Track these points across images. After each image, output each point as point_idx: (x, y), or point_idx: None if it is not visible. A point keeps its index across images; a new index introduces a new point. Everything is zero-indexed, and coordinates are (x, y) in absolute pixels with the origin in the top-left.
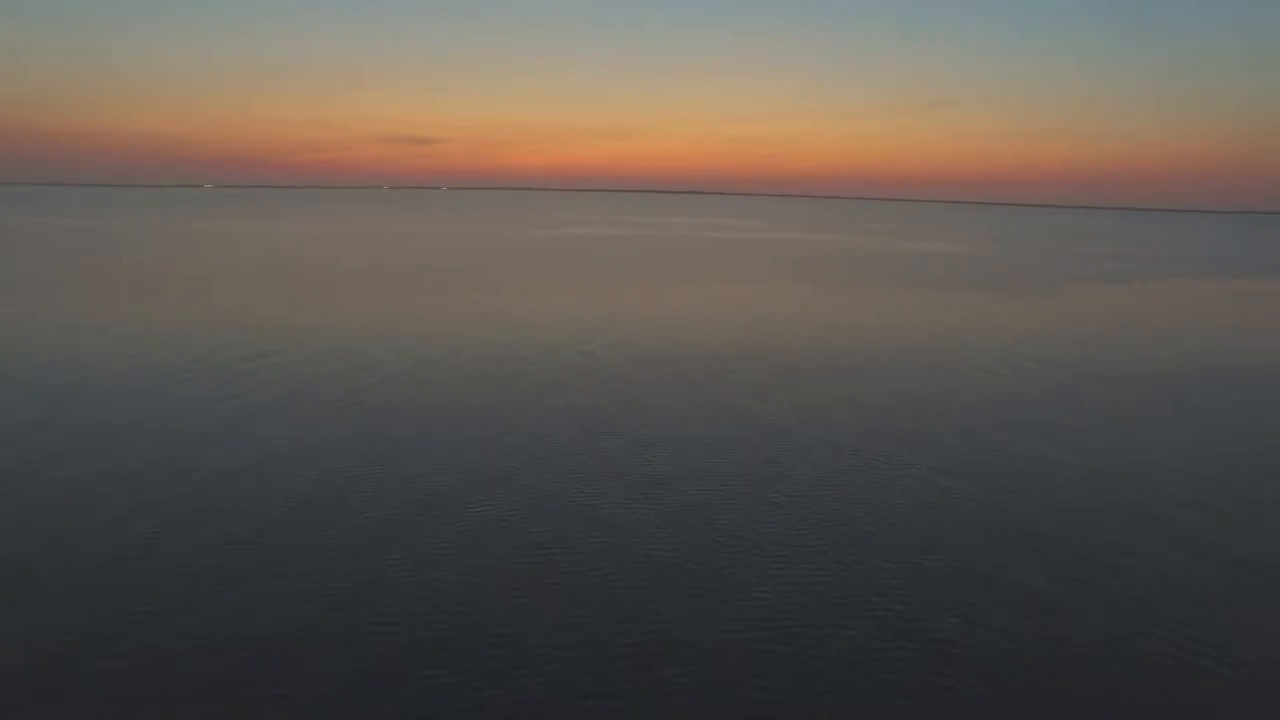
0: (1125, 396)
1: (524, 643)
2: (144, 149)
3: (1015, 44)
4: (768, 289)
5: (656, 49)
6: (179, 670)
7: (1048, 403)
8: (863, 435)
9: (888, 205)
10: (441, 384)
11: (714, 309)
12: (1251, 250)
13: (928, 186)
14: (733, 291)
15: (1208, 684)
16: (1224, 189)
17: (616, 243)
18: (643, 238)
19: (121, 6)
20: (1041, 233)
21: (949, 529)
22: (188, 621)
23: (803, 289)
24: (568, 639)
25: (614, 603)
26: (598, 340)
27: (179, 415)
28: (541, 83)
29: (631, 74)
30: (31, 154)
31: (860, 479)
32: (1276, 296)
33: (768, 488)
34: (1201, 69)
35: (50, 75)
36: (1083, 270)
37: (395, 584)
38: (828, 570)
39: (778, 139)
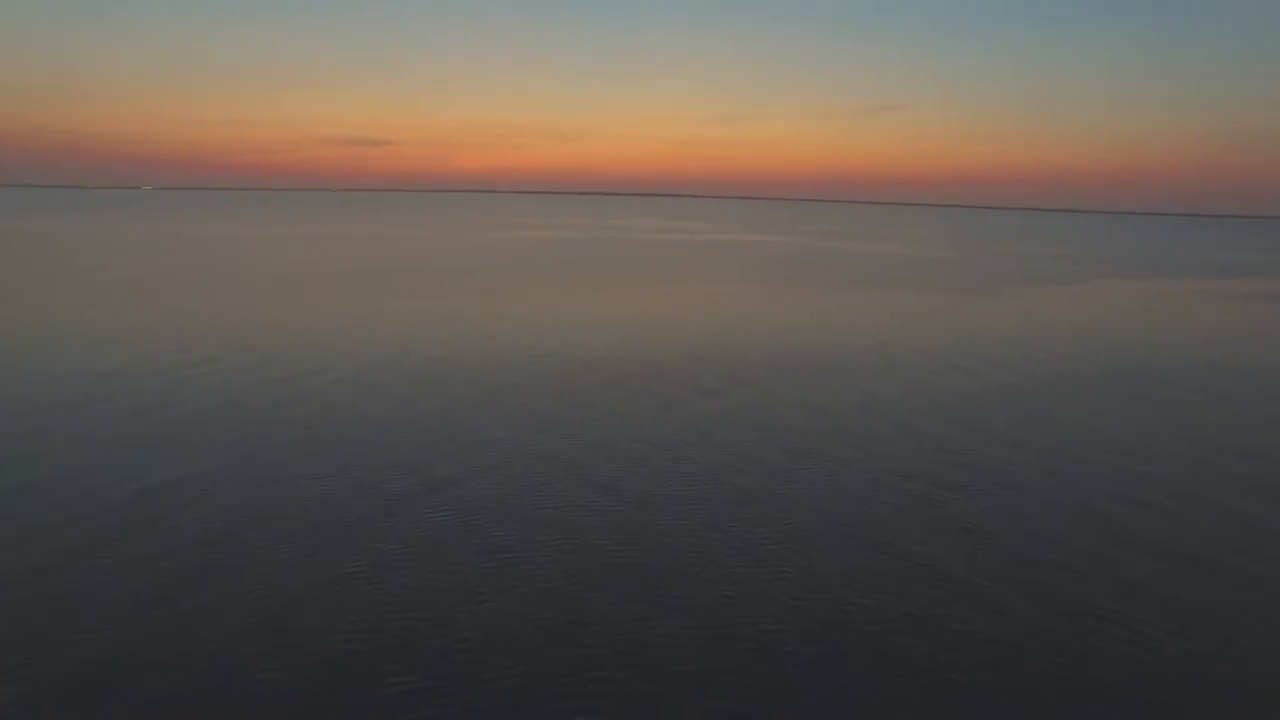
0: (1065, 394)
1: (475, 645)
2: (79, 148)
3: (967, 47)
4: (717, 291)
5: (610, 51)
6: (125, 681)
7: (989, 401)
8: (808, 434)
9: (840, 206)
10: (388, 390)
11: (664, 311)
12: (1200, 252)
13: (879, 188)
14: (683, 294)
15: (1146, 673)
16: (1177, 192)
17: (566, 245)
18: (592, 240)
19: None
20: (990, 233)
21: (896, 526)
22: (125, 637)
23: (750, 291)
24: (521, 640)
25: (565, 603)
26: (543, 343)
27: (113, 424)
28: (496, 84)
29: (585, 76)
30: None
31: (807, 478)
32: (1217, 296)
33: (715, 489)
34: (1157, 73)
35: None
36: (1027, 271)
37: (342, 589)
38: (776, 568)
39: (730, 141)
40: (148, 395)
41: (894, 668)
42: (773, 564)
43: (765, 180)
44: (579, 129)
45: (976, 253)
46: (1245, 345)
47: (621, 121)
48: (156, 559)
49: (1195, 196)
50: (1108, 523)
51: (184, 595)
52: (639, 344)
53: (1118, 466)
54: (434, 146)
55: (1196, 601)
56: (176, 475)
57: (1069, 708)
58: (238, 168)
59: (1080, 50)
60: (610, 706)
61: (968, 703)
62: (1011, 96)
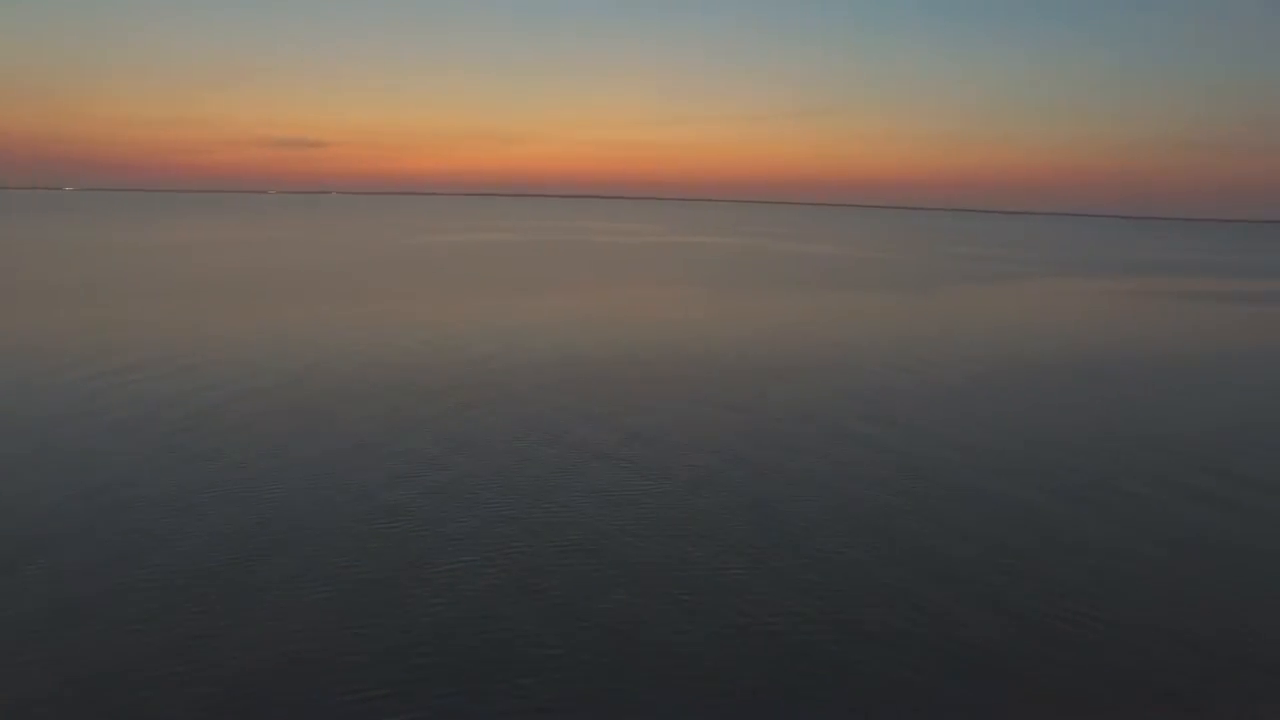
0: (988, 390)
1: (398, 657)
2: None
3: (896, 52)
4: (658, 293)
5: (547, 53)
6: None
7: (921, 398)
8: (737, 436)
9: (775, 208)
10: (299, 401)
11: (606, 313)
12: (1118, 251)
13: (814, 190)
14: (625, 296)
15: (1078, 667)
16: (1099, 195)
17: (507, 248)
18: (533, 243)
19: None
20: (923, 234)
21: (823, 526)
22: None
23: (692, 292)
24: (444, 652)
25: (476, 614)
26: (465, 349)
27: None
28: (435, 86)
29: (524, 78)
30: None
31: (731, 481)
32: (1132, 294)
33: (639, 492)
34: (1089, 77)
35: None
36: (958, 271)
37: (244, 604)
38: (699, 572)
39: (666, 143)
40: (38, 410)
41: (815, 670)
42: (695, 568)
43: (701, 182)
44: (518, 132)
45: (910, 253)
46: (1166, 340)
47: (560, 124)
48: (39, 583)
49: (1128, 200)
50: (1036, 518)
51: (59, 632)
52: (580, 347)
53: (1042, 460)
54: (373, 148)
55: (1124, 596)
56: (72, 493)
57: (1004, 706)
58: (167, 168)
59: (1010, 55)
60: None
61: (893, 704)
62: (942, 101)
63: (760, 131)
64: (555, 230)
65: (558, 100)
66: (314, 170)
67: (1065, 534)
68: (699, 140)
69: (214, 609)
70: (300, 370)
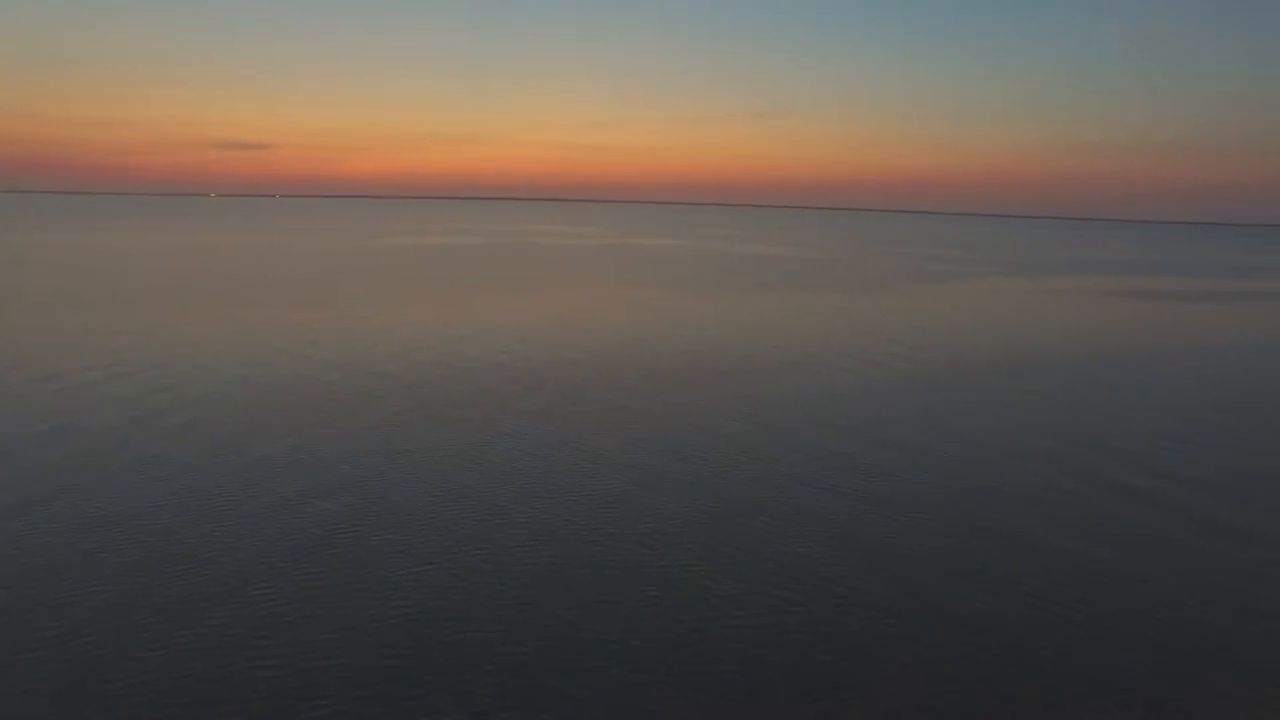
0: (933, 387)
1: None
2: None
3: (846, 56)
4: (613, 295)
5: (497, 54)
6: None
7: (861, 398)
8: (683, 439)
9: (727, 210)
10: (238, 408)
11: (561, 316)
12: (1063, 251)
13: (765, 192)
14: (578, 299)
15: (1010, 658)
16: (1050, 197)
17: (460, 253)
18: (486, 246)
19: None
20: (873, 236)
21: (770, 528)
22: None
23: (648, 294)
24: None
25: (430, 622)
26: (420, 353)
27: None
28: (382, 87)
29: (473, 79)
30: None
31: (676, 482)
32: (1069, 292)
33: (586, 496)
34: (1028, 84)
35: None
36: (908, 270)
37: (177, 619)
38: (651, 572)
39: (617, 146)
40: None
41: (774, 670)
42: (647, 568)
43: (653, 184)
44: (468, 134)
45: (860, 254)
46: (1099, 337)
47: (510, 126)
48: None
49: (1073, 202)
50: (978, 515)
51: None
52: (532, 351)
53: (983, 459)
54: (319, 150)
55: (1063, 591)
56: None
57: (939, 706)
58: (96, 170)
59: (956, 60)
60: None
61: (834, 704)
62: (890, 105)
63: (713, 134)
64: (507, 234)
65: (508, 102)
66: (259, 173)
67: (1009, 530)
68: (650, 143)
69: (136, 631)
70: (229, 379)
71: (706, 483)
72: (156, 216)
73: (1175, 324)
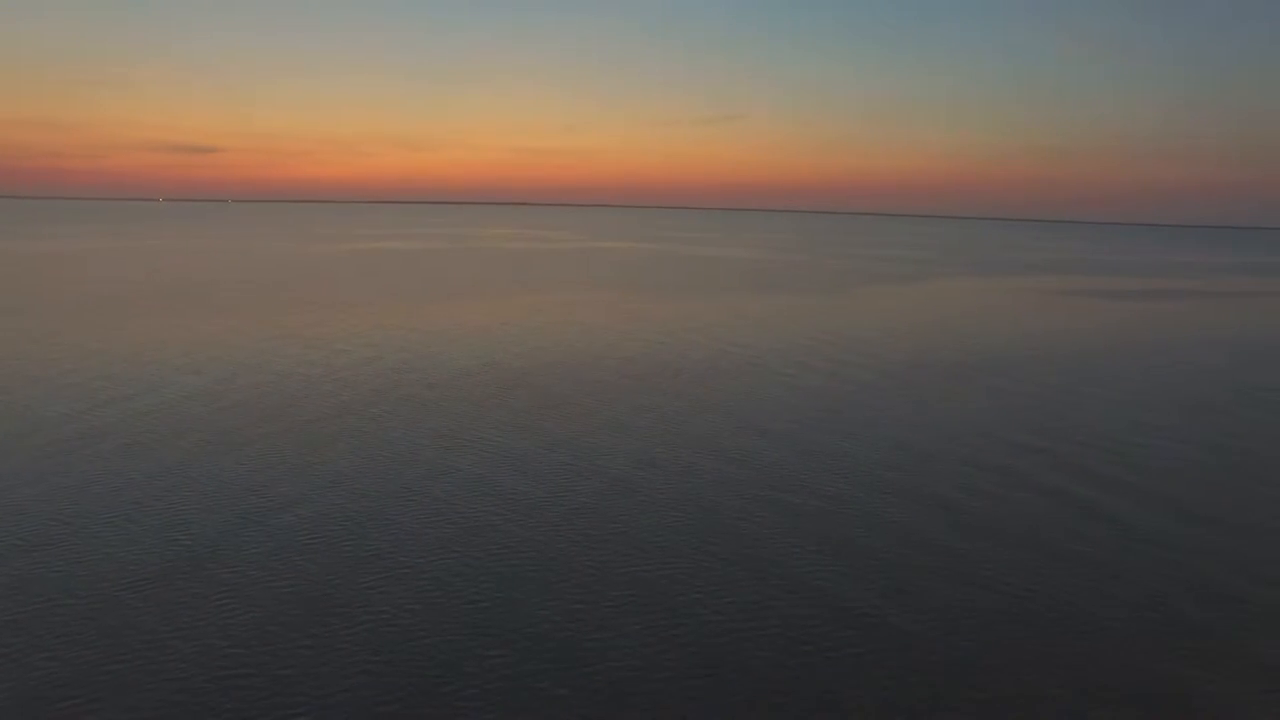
0: (895, 386)
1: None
2: None
3: (797, 61)
4: (581, 299)
5: (454, 57)
6: None
7: (837, 396)
8: (655, 441)
9: (688, 213)
10: (189, 420)
11: (530, 321)
12: (1012, 252)
13: (725, 194)
14: (546, 302)
15: (978, 655)
16: (1006, 200)
17: (423, 257)
18: (450, 251)
19: None
20: (831, 237)
21: (743, 528)
22: None
23: (612, 297)
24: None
25: (399, 643)
26: (376, 361)
27: None
28: (337, 89)
29: (430, 82)
30: None
31: (648, 485)
32: (1034, 291)
33: (554, 503)
34: (985, 88)
35: None
36: (867, 271)
37: (135, 641)
38: (611, 578)
39: (576, 149)
40: None
41: (730, 673)
42: (609, 574)
43: (612, 188)
44: (427, 138)
45: (820, 255)
46: (1057, 335)
47: (467, 130)
48: None
49: (1026, 203)
50: (949, 511)
51: None
52: (498, 355)
53: (949, 455)
54: (270, 154)
55: (1028, 583)
56: None
57: (914, 704)
58: (25, 174)
59: (914, 64)
60: None
61: (809, 705)
62: (845, 109)
63: (673, 136)
64: (465, 238)
65: (465, 107)
66: (209, 177)
67: (972, 523)
68: (608, 146)
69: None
70: (183, 389)
71: (680, 487)
72: (90, 222)
73: (1113, 320)
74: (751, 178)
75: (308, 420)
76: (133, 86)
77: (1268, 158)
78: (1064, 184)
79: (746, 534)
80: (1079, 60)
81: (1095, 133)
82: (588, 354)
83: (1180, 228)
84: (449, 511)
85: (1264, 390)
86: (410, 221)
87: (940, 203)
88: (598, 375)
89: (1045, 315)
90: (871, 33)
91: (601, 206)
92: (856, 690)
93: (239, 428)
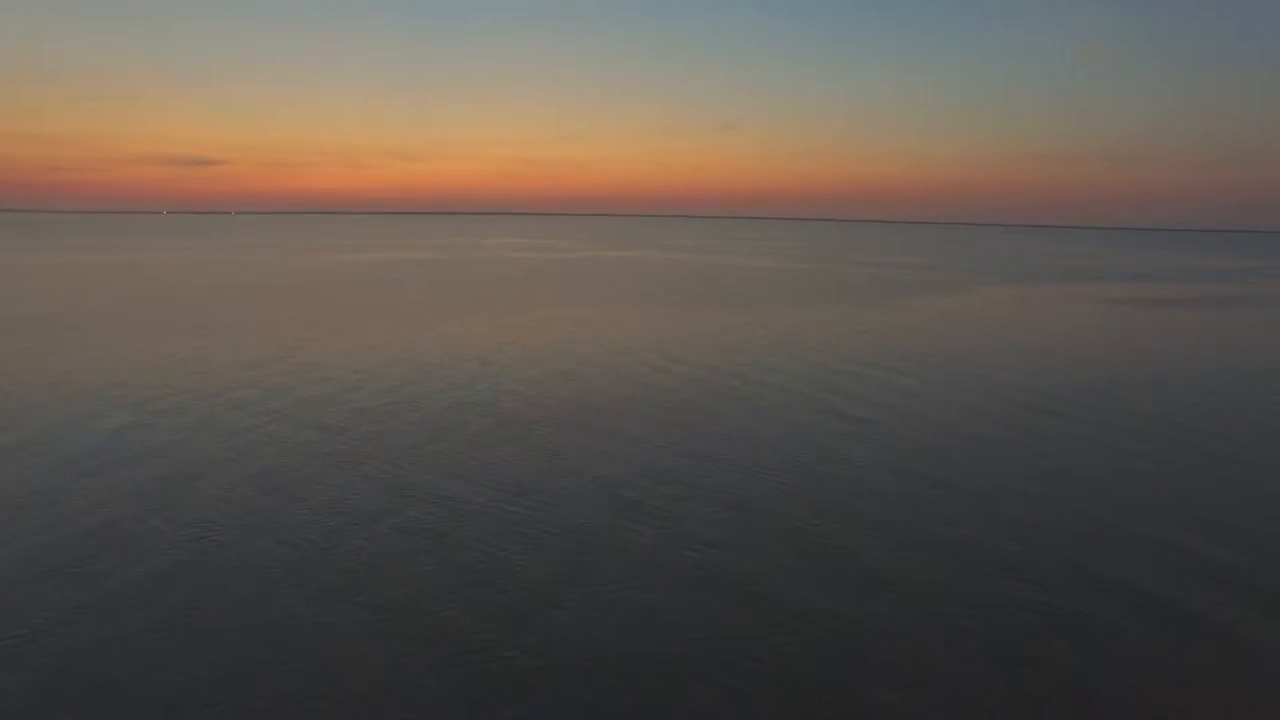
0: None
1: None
2: None
3: (792, 71)
4: (594, 314)
5: (450, 68)
6: None
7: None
8: (634, 450)
9: (687, 221)
10: (169, 442)
11: (496, 338)
12: (1033, 259)
13: (724, 203)
14: (539, 318)
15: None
16: (998, 204)
17: (435, 268)
18: (458, 261)
19: None
20: (837, 245)
21: (732, 544)
22: None
23: (587, 311)
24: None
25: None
26: (389, 379)
27: None
28: (335, 102)
29: (426, 94)
30: None
31: (643, 502)
32: (1026, 299)
33: (539, 518)
34: (966, 94)
35: None
36: (884, 279)
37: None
38: (604, 596)
39: (572, 159)
40: None
41: (714, 683)
42: (603, 594)
43: (609, 196)
44: (422, 148)
45: (828, 264)
46: (1068, 343)
47: (465, 140)
48: None
49: (1026, 210)
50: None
51: None
52: (524, 373)
53: (944, 465)
54: (271, 166)
55: (997, 578)
56: None
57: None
58: (35, 188)
59: (911, 70)
60: None
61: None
62: (835, 119)
63: (670, 145)
64: (468, 248)
65: (463, 117)
66: (211, 189)
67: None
68: (604, 156)
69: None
70: (190, 403)
71: (694, 493)
72: (98, 234)
73: (1108, 324)
74: (751, 187)
75: (289, 441)
76: (130, 102)
77: (1267, 158)
78: (1065, 188)
79: (749, 544)
80: (1071, 68)
81: (1088, 139)
82: (618, 368)
83: (1179, 231)
84: (467, 525)
85: None
86: (416, 231)
87: (937, 210)
88: (629, 392)
89: (1036, 319)
90: (866, 41)
91: (601, 215)
92: (870, 692)
93: (240, 448)
